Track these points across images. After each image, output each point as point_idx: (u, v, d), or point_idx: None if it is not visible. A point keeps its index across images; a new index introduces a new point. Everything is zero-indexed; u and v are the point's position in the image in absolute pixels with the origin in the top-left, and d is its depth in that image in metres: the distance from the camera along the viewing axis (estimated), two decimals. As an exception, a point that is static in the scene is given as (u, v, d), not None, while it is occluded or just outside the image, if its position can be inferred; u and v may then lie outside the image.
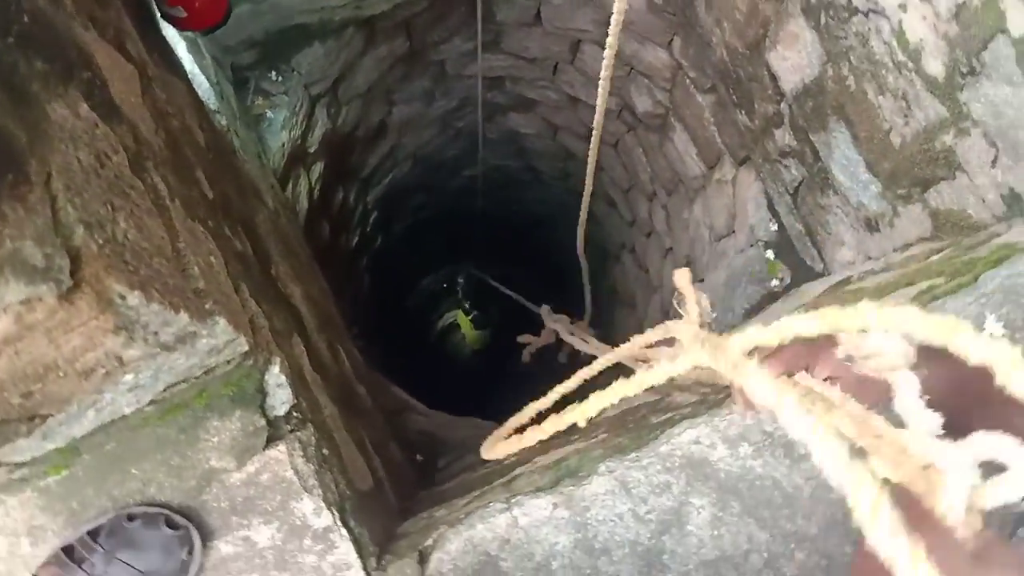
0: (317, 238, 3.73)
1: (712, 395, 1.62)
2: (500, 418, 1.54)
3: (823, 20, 2.25)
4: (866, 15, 2.06)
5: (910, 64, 1.99)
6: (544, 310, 4.27)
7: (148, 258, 0.93)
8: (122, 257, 0.85)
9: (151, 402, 1.27)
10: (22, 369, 0.86)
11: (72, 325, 0.79)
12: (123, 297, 0.83)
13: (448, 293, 8.49)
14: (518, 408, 1.50)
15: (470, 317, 8.03)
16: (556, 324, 3.70)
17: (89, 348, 0.86)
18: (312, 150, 3.51)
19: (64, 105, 0.92)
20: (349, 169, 4.27)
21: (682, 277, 1.33)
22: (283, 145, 3.15)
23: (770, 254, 3.18)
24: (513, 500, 1.46)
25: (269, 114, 3.11)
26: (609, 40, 2.25)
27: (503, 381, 7.45)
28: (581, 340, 3.10)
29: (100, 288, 0.79)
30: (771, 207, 3.20)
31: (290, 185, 3.29)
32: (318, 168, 3.62)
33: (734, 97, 3.06)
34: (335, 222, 4.20)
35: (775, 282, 3.14)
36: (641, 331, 1.40)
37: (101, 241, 0.83)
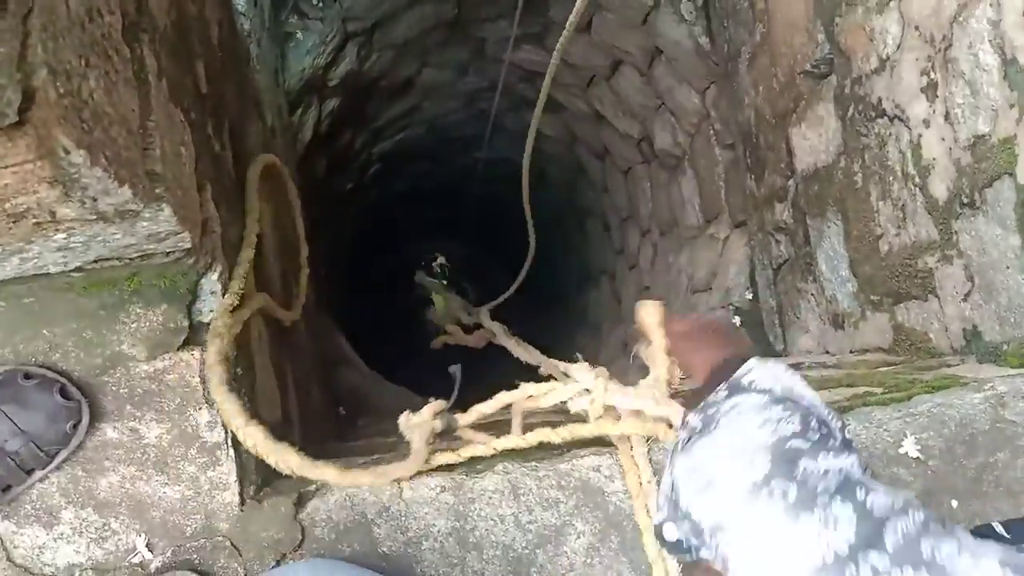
0: (311, 171, 3.70)
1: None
2: (435, 396, 1.55)
3: (851, 112, 2.27)
4: (891, 120, 2.08)
5: (917, 179, 2.01)
6: (484, 311, 4.21)
7: (108, 124, 0.92)
8: (79, 113, 0.84)
9: (79, 268, 1.26)
10: (-51, 190, 0.85)
11: (6, 162, 0.77)
12: (67, 151, 0.81)
13: (429, 267, 8.35)
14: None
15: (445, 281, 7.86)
16: (494, 327, 3.65)
17: (21, 192, 0.85)
18: (332, 84, 3.49)
19: (71, -49, 0.91)
20: (364, 115, 4.25)
21: (650, 312, 1.31)
22: (303, 70, 3.13)
23: (737, 320, 3.20)
24: (404, 472, 1.46)
25: (299, 35, 3.08)
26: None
27: (454, 362, 7.43)
28: (520, 347, 3.08)
29: (45, 135, 0.78)
30: (752, 276, 3.22)
31: (299, 111, 3.27)
32: (332, 103, 3.60)
33: (749, 160, 3.08)
34: (334, 162, 4.17)
35: (733, 348, 3.15)
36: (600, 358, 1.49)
37: (62, 91, 0.81)
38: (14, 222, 0.96)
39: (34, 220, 0.96)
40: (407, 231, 7.75)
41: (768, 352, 3.11)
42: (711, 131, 3.42)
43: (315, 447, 2.13)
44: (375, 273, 7.66)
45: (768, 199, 2.95)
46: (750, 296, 3.22)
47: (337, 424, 2.93)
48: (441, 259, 7.76)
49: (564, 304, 6.69)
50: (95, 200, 0.94)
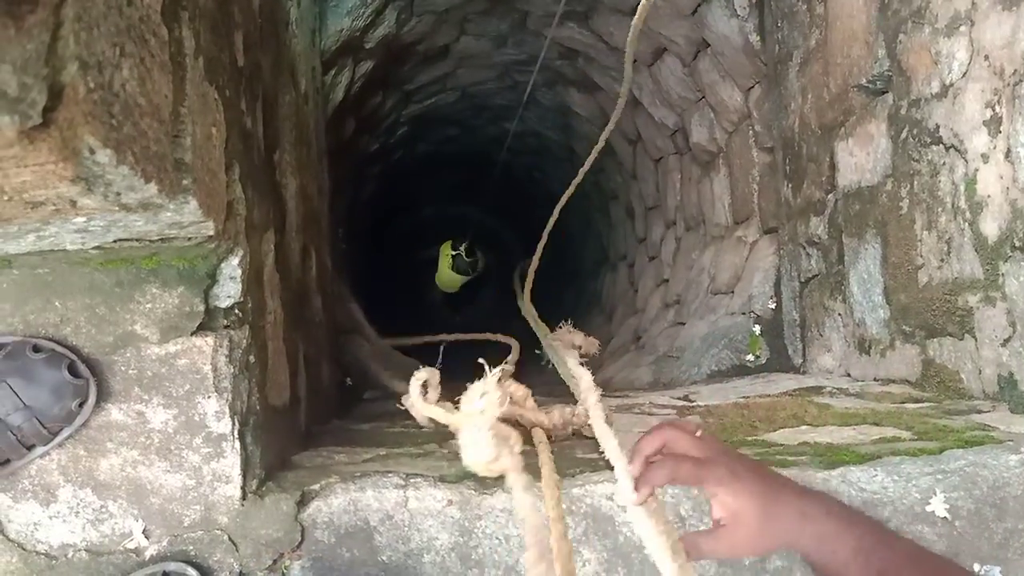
0: (339, 132, 3.63)
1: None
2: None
3: (904, 135, 2.18)
4: (947, 149, 1.99)
5: (968, 214, 1.93)
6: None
7: (138, 117, 0.85)
8: (109, 109, 0.78)
9: (97, 247, 1.21)
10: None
11: (27, 163, 0.71)
12: (92, 151, 0.75)
13: (449, 232, 8.16)
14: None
15: (453, 253, 7.65)
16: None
17: (41, 187, 0.79)
18: (368, 47, 3.40)
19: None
20: (397, 78, 4.16)
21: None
22: (341, 31, 3.04)
23: (757, 329, 3.13)
24: (412, 480, 1.41)
25: (340, -5, 2.99)
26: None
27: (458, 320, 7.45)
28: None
29: (70, 135, 0.72)
30: (777, 286, 3.15)
31: (332, 72, 3.18)
32: (366, 66, 3.51)
33: (787, 168, 2.99)
34: (363, 122, 4.09)
35: (750, 357, 3.10)
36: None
37: (93, 85, 0.75)
38: (32, 208, 0.90)
39: (54, 208, 0.91)
40: (428, 194, 7.67)
41: (785, 364, 3.04)
42: (751, 132, 3.32)
43: (319, 427, 2.10)
44: (392, 232, 7.60)
45: (804, 210, 2.86)
46: (773, 306, 3.15)
47: (343, 395, 2.90)
48: (465, 244, 7.57)
49: (579, 285, 6.62)
50: (119, 195, 0.88)
